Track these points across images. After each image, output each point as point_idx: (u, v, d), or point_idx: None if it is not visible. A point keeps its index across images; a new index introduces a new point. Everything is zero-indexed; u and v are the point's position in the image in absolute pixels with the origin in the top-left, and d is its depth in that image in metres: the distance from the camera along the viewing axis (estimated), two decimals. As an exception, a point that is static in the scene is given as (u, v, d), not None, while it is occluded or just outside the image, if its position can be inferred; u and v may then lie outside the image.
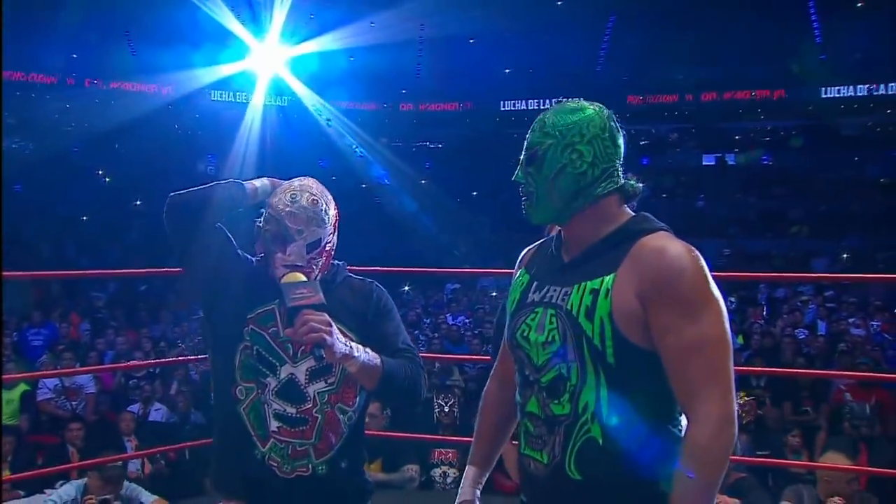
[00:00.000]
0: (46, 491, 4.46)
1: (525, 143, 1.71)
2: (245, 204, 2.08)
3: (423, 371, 2.08)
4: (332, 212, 2.08)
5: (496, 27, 24.71)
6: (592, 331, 1.57)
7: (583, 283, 1.61)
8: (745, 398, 5.36)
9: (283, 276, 1.93)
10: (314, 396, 2.02)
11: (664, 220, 1.69)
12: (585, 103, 1.71)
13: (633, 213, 1.70)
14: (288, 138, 24.34)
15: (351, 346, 1.87)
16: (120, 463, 4.06)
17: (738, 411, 4.97)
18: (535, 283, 1.74)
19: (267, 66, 23.95)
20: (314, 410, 2.02)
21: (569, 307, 1.61)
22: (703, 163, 25.86)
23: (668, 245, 1.58)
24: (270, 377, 2.01)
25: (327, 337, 1.78)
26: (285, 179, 2.11)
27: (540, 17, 24.62)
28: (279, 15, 22.47)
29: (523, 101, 26.51)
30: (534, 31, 25.36)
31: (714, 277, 1.58)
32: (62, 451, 6.07)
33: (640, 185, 1.71)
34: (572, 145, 1.64)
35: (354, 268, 3.73)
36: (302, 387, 2.02)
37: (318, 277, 2.04)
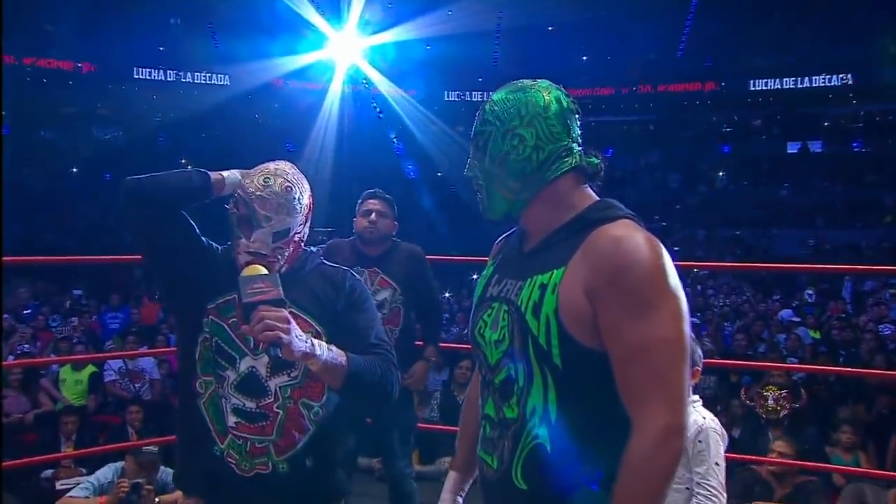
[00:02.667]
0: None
1: (471, 134, 1.61)
2: (209, 195, 1.96)
3: (395, 369, 1.95)
4: (306, 200, 1.97)
5: (574, 15, 24.35)
6: (538, 329, 1.44)
7: (534, 277, 1.49)
8: (778, 392, 5.06)
9: (243, 268, 1.82)
10: (276, 391, 1.92)
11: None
12: (528, 82, 1.59)
13: (597, 199, 1.55)
14: (365, 127, 24.54)
15: (312, 344, 1.74)
16: (156, 449, 4.10)
17: (773, 405, 4.65)
18: (496, 276, 1.63)
19: (344, 55, 24.11)
20: (275, 405, 1.91)
21: (519, 303, 1.49)
22: (788, 150, 24.86)
23: (625, 235, 1.42)
24: (230, 370, 1.92)
25: (283, 335, 1.65)
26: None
27: (619, 4, 24.16)
28: (357, 4, 22.61)
29: (603, 89, 26.04)
30: (613, 19, 24.91)
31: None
32: (123, 431, 6.24)
33: (599, 161, 1.57)
34: (512, 130, 1.53)
35: (435, 257, 3.81)
36: (263, 380, 1.92)
37: (283, 268, 1.94)
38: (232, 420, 1.92)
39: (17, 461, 4.39)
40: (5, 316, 9.30)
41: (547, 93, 1.55)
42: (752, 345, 8.96)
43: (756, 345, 9.04)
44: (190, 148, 24.35)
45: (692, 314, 6.93)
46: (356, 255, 3.63)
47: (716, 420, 2.82)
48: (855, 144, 24.60)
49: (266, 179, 1.92)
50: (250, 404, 1.91)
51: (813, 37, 23.82)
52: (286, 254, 1.94)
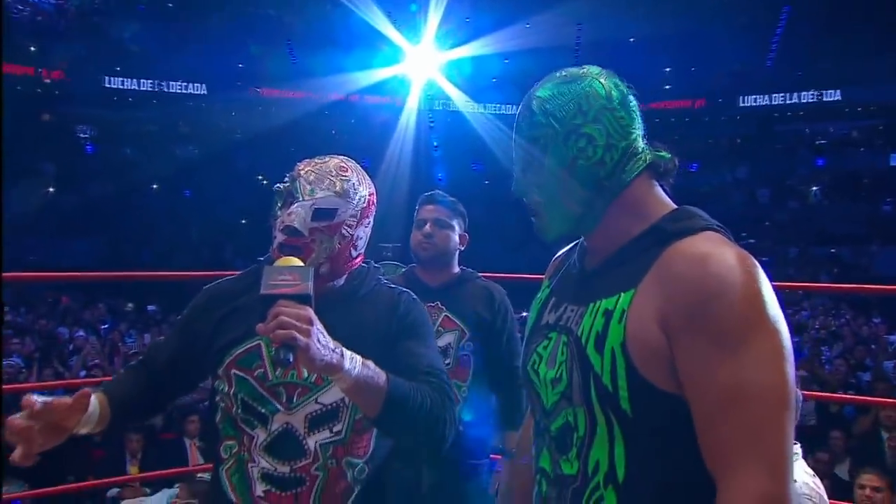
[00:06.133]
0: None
1: (514, 144, 1.31)
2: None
3: (451, 403, 1.58)
4: (364, 192, 1.68)
5: (656, 26, 23.72)
6: (602, 366, 1.16)
7: (598, 302, 1.21)
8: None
9: (276, 257, 1.56)
10: (315, 450, 1.59)
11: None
12: (575, 71, 1.31)
13: (675, 207, 1.27)
14: (441, 142, 24.36)
15: (341, 354, 1.38)
16: (209, 477, 3.81)
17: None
18: (553, 300, 1.35)
19: (421, 70, 24.10)
20: (314, 468, 1.59)
21: (579, 333, 1.21)
22: (891, 163, 23.48)
23: (710, 251, 1.13)
24: (259, 428, 1.61)
25: (300, 337, 1.29)
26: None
27: (703, 14, 23.43)
28: (434, 19, 22.57)
29: (687, 101, 25.25)
30: (696, 29, 24.18)
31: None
32: (181, 446, 6.16)
33: (670, 156, 1.28)
34: (575, 130, 1.24)
35: (499, 275, 3.10)
36: (301, 438, 1.60)
37: (326, 270, 1.63)
38: (260, 489, 1.60)
39: (84, 483, 4.56)
40: (80, 333, 9.28)
41: (604, 79, 1.28)
42: (853, 372, 8.21)
43: (857, 372, 8.28)
44: (266, 164, 24.54)
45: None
46: (412, 286, 2.50)
47: (815, 481, 2.34)
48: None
49: (320, 158, 1.70)
50: (283, 468, 1.59)
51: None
52: (328, 247, 1.63)
